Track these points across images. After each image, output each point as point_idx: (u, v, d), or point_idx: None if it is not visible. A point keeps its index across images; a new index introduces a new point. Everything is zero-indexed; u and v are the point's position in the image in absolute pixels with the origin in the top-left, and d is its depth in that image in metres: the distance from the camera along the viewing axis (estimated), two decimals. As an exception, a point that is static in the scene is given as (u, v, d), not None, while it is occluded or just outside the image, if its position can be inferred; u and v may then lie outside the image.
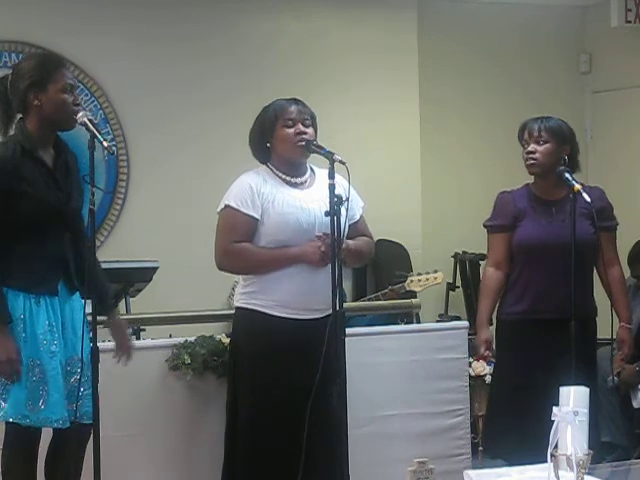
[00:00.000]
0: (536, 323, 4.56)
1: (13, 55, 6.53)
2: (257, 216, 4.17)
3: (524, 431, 4.39)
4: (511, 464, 4.04)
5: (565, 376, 4.11)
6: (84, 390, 3.78)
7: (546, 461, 2.72)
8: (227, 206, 4.21)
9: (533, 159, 4.60)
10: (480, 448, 5.54)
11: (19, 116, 3.86)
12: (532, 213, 4.64)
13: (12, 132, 3.89)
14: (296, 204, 4.18)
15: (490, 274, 4.71)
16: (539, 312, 4.57)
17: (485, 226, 4.79)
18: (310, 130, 4.22)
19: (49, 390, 3.71)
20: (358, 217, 4.34)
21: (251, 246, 4.18)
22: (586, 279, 4.64)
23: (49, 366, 3.73)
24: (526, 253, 4.60)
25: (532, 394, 4.44)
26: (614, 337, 4.79)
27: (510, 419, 4.56)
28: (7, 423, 3.75)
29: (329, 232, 4.04)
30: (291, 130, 4.19)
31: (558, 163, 4.60)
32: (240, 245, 4.18)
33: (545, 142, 4.59)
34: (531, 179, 4.75)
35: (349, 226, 4.19)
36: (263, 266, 4.19)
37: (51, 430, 3.82)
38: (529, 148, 4.61)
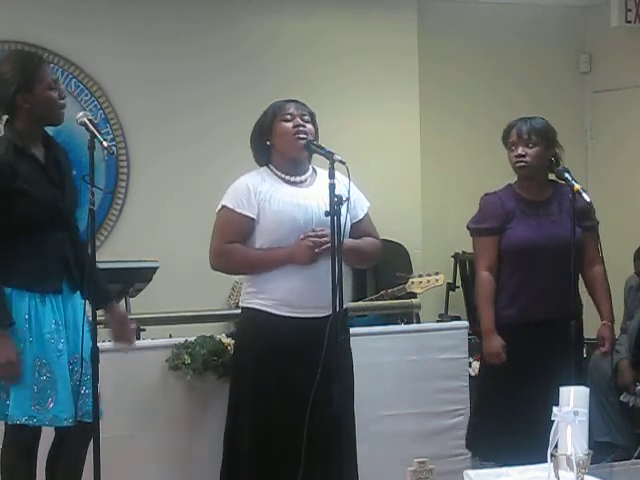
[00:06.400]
0: (529, 325, 4.53)
1: (13, 55, 6.53)
2: (253, 215, 4.17)
3: (515, 432, 4.38)
4: (503, 465, 4.03)
5: (559, 376, 4.09)
6: (85, 389, 3.78)
7: (544, 461, 2.73)
8: (223, 207, 4.22)
9: (523, 162, 4.58)
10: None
11: (5, 117, 3.86)
12: (521, 215, 4.60)
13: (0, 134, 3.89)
14: (292, 201, 4.17)
15: (486, 279, 4.61)
16: (532, 314, 4.53)
17: (473, 229, 4.71)
18: (309, 125, 4.22)
19: (58, 389, 3.71)
20: (361, 216, 4.33)
21: (241, 247, 4.18)
22: (576, 279, 4.61)
23: (57, 365, 3.73)
24: (518, 255, 4.55)
25: (525, 396, 4.43)
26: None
27: (502, 421, 4.53)
28: (7, 423, 3.76)
29: (321, 228, 4.05)
30: (289, 124, 4.20)
31: (546, 164, 4.60)
32: (231, 246, 4.19)
33: (534, 145, 4.58)
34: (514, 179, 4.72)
35: (352, 225, 4.19)
36: (252, 267, 4.19)
37: (53, 429, 3.82)
38: (519, 151, 4.59)
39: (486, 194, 4.74)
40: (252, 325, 4.23)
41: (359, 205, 4.31)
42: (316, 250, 4.07)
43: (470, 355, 5.35)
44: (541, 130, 4.60)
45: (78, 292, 3.88)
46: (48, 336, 3.73)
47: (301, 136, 4.17)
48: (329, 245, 3.90)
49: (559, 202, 4.61)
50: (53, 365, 3.72)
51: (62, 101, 3.88)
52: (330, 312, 3.87)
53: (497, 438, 4.49)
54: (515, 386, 4.48)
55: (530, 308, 4.53)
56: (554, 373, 4.26)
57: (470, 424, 4.79)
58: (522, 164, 4.58)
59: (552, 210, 4.60)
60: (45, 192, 3.79)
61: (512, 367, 4.50)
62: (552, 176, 4.67)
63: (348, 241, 4.11)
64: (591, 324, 4.80)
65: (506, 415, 4.48)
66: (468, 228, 4.75)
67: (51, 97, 3.83)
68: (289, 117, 4.20)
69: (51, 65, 4.51)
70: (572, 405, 2.71)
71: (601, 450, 5.61)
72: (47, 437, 3.87)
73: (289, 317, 4.13)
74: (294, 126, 4.19)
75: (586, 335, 4.79)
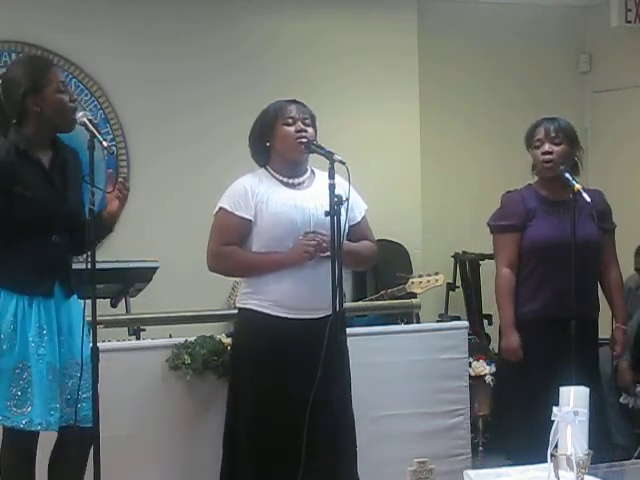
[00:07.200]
0: (547, 322, 4.55)
1: (13, 55, 6.51)
2: (250, 217, 4.17)
3: (537, 431, 4.39)
4: (521, 464, 4.04)
5: (571, 375, 4.12)
6: (83, 394, 3.77)
7: (544, 461, 2.72)
8: (221, 208, 4.23)
9: (551, 160, 4.59)
10: (480, 448, 5.54)
11: (14, 121, 3.83)
12: (542, 213, 4.63)
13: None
14: (290, 203, 4.17)
15: (507, 275, 4.64)
16: (552, 311, 4.55)
17: (493, 226, 4.73)
18: (310, 129, 4.22)
19: (34, 393, 3.70)
20: (359, 219, 4.33)
21: (239, 249, 4.19)
22: (594, 279, 4.65)
23: (35, 369, 3.71)
24: (538, 253, 4.58)
25: (544, 394, 4.44)
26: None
27: (522, 419, 4.55)
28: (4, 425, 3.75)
29: (320, 230, 4.05)
30: (291, 128, 4.19)
31: (570, 164, 4.62)
32: (229, 248, 4.19)
33: (560, 143, 4.60)
34: (532, 179, 4.74)
35: (349, 227, 4.19)
36: (249, 270, 4.20)
37: (55, 433, 3.81)
38: (546, 148, 4.60)
39: (508, 192, 4.78)
40: (249, 325, 4.23)
41: (357, 208, 4.31)
42: (320, 255, 4.07)
43: (470, 355, 5.34)
44: (567, 130, 4.65)
45: (75, 295, 3.87)
46: (30, 340, 3.71)
47: (303, 140, 4.17)
48: (328, 253, 3.90)
49: (579, 202, 4.61)
50: (32, 369, 3.71)
51: (72, 104, 3.86)
52: (327, 313, 3.89)
53: (524, 433, 4.50)
54: (538, 382, 4.49)
55: (549, 305, 4.57)
56: (572, 371, 4.28)
57: (495, 422, 4.80)
58: (549, 164, 4.58)
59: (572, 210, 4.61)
60: (43, 196, 3.77)
61: (535, 362, 4.52)
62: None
63: (345, 244, 4.10)
64: (604, 325, 4.82)
65: (534, 409, 4.48)
66: (488, 225, 4.76)
67: (62, 100, 3.81)
68: (291, 121, 4.20)
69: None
70: (572, 405, 2.71)
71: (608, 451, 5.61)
72: (48, 438, 3.87)
73: (285, 318, 4.13)
74: (296, 131, 4.18)
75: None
